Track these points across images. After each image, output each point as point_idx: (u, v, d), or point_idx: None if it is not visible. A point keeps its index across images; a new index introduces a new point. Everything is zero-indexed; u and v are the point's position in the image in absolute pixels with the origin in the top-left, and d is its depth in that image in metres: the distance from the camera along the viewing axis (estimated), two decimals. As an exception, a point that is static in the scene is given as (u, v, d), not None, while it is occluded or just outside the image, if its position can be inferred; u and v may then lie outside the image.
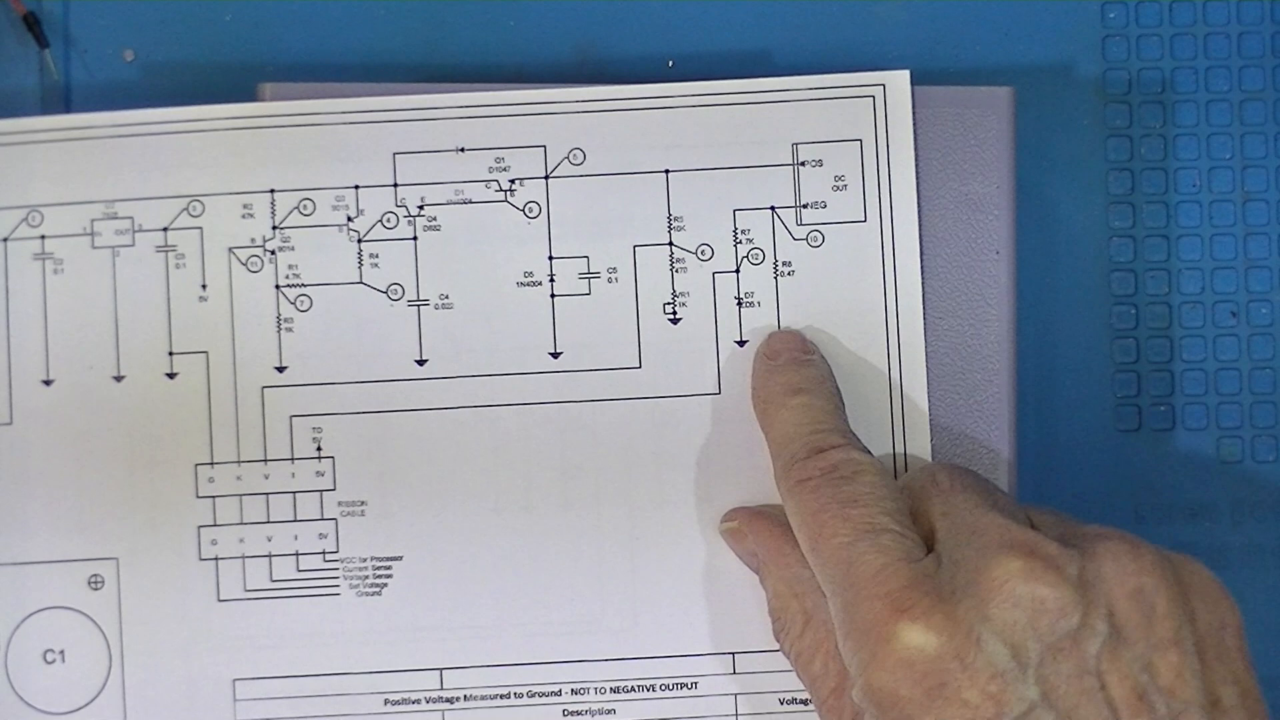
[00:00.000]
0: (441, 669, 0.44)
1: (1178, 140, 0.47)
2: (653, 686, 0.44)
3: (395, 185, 0.44)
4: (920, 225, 0.44)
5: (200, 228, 0.44)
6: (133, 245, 0.44)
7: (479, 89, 0.44)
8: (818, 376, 0.42)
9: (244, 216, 0.44)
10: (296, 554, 0.44)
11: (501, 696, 0.44)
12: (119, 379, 0.44)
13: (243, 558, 0.44)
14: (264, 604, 0.44)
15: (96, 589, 0.44)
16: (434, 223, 0.44)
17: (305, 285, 0.44)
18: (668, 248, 0.44)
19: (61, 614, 0.43)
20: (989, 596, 0.37)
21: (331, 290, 0.44)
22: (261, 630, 0.44)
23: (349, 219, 0.44)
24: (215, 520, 0.44)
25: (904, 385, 0.44)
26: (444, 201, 0.44)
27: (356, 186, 0.44)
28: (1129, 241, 0.47)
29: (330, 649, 0.44)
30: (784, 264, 0.44)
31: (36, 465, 0.44)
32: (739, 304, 0.44)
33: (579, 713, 0.44)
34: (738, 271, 0.44)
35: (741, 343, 0.44)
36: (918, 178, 0.44)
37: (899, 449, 0.44)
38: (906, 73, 0.44)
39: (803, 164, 0.44)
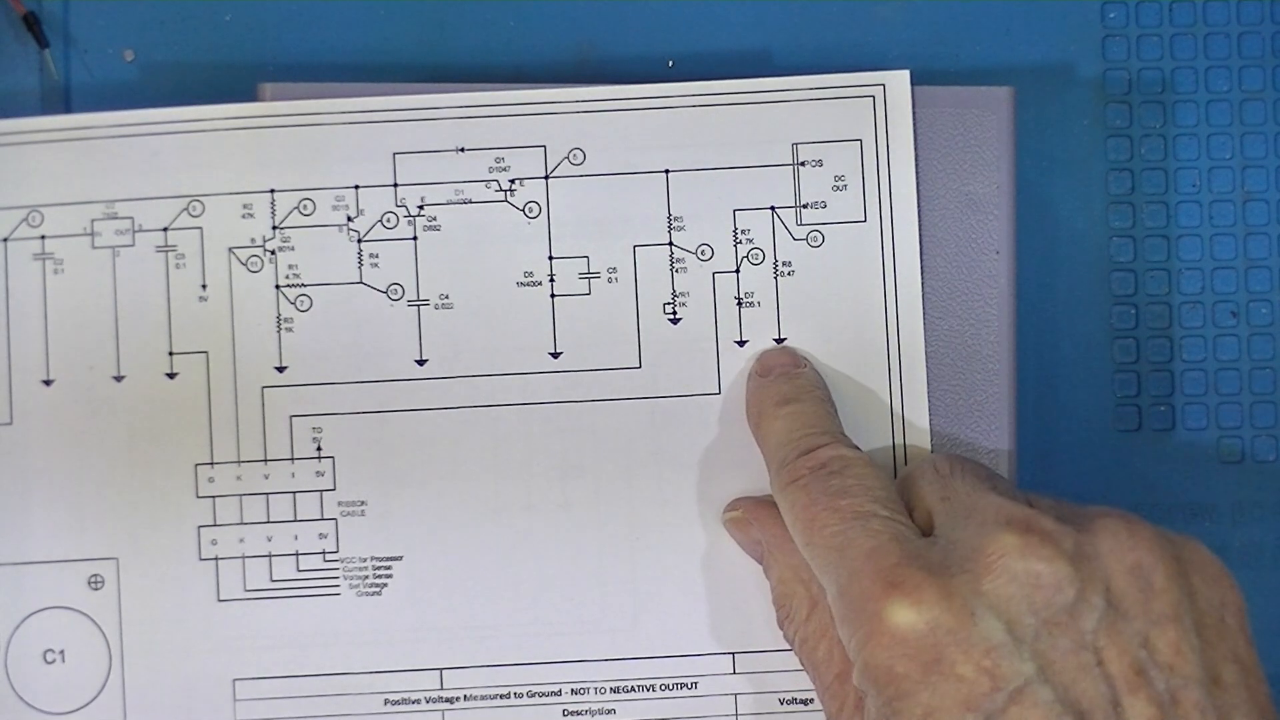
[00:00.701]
0: (441, 669, 0.44)
1: (1178, 140, 0.47)
2: (653, 686, 0.44)
3: (395, 185, 0.44)
4: (920, 225, 0.44)
5: (200, 228, 0.44)
6: (133, 245, 0.44)
7: (479, 89, 0.44)
8: (807, 386, 0.43)
9: (244, 216, 0.44)
10: (296, 554, 0.44)
11: (501, 696, 0.44)
12: (119, 379, 0.44)
13: (243, 558, 0.44)
14: (264, 604, 0.44)
15: (96, 589, 0.44)
16: (434, 223, 0.44)
17: (305, 285, 0.44)
18: (668, 248, 0.44)
19: (61, 614, 0.43)
20: (984, 571, 0.37)
21: (331, 290, 0.44)
22: (261, 630, 0.44)
23: (349, 219, 0.44)
24: (215, 520, 0.44)
25: (904, 385, 0.44)
26: (444, 201, 0.44)
27: (356, 186, 0.44)
28: (1129, 241, 0.47)
29: (330, 649, 0.44)
30: (784, 264, 0.44)
31: (36, 465, 0.44)
32: (739, 304, 0.44)
33: (579, 713, 0.44)
34: (738, 271, 0.44)
35: (741, 343, 0.44)
36: (918, 178, 0.44)
37: (899, 448, 0.44)
38: (906, 73, 0.44)
39: (803, 164, 0.44)
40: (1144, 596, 0.37)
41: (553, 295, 0.44)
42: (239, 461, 0.44)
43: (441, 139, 0.44)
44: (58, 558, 0.43)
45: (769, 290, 0.44)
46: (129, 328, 0.44)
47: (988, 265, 0.44)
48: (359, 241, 0.44)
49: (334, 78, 0.46)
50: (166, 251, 0.44)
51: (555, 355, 0.44)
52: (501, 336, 0.44)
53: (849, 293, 0.44)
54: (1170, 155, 0.47)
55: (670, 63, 0.46)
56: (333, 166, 0.44)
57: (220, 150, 0.44)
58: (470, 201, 0.44)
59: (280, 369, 0.44)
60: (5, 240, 0.44)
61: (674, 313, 0.44)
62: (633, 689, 0.44)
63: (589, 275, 0.44)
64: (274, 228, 0.44)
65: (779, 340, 0.44)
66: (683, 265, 0.44)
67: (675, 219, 0.44)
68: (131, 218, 0.44)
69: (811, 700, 0.44)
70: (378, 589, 0.44)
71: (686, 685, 0.44)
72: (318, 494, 0.44)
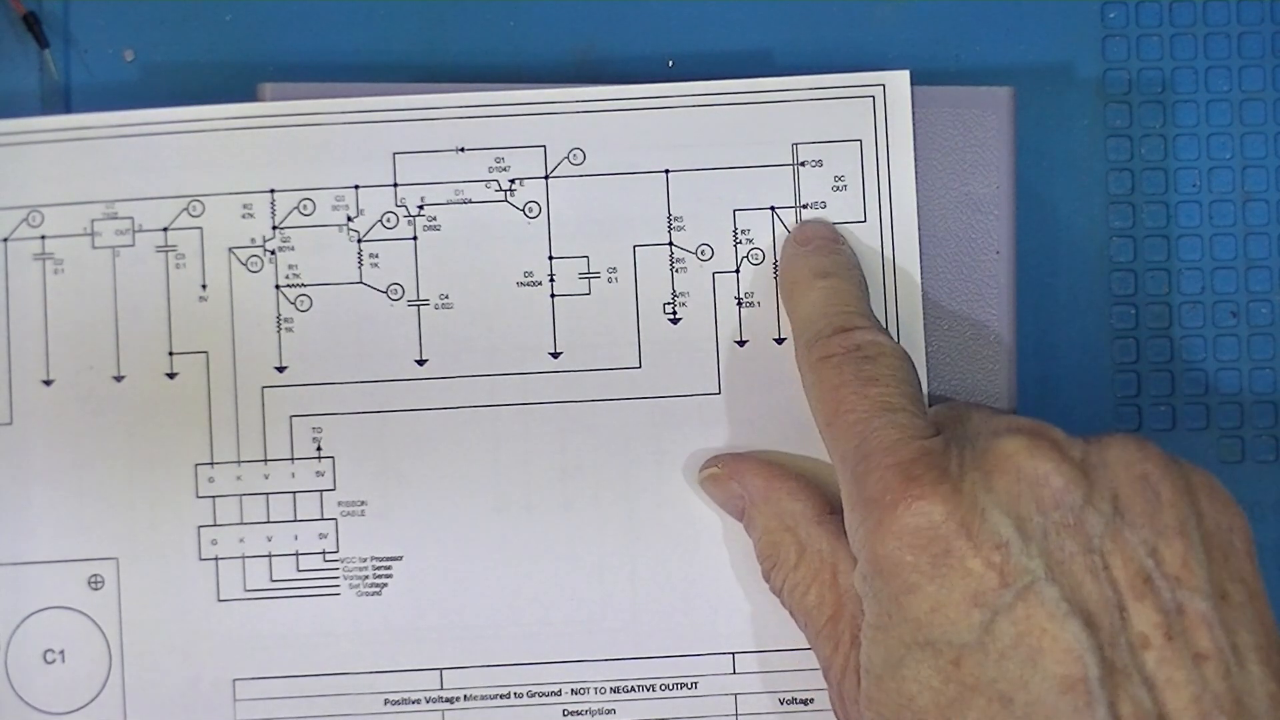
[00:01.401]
0: (441, 669, 0.44)
1: (1178, 140, 0.47)
2: (653, 686, 0.44)
3: (395, 185, 0.44)
4: (920, 225, 0.44)
5: (200, 228, 0.44)
6: (133, 245, 0.44)
7: (479, 89, 0.44)
8: (846, 263, 0.43)
9: (244, 216, 0.44)
10: (296, 554, 0.44)
11: (501, 696, 0.44)
12: (119, 379, 0.44)
13: (243, 558, 0.44)
14: (264, 604, 0.44)
15: (96, 589, 0.44)
16: (434, 223, 0.44)
17: (305, 285, 0.44)
18: (668, 248, 0.44)
19: (61, 614, 0.43)
20: (993, 470, 0.37)
21: (331, 290, 0.44)
22: (261, 630, 0.44)
23: (349, 219, 0.44)
24: (215, 520, 0.44)
25: (904, 385, 0.44)
26: (444, 201, 0.44)
27: (356, 186, 0.44)
28: (1129, 241, 0.47)
29: (330, 649, 0.44)
30: (784, 264, 0.44)
31: (36, 465, 0.44)
32: (739, 304, 0.44)
33: (579, 713, 0.44)
34: (738, 271, 0.44)
35: (741, 343, 0.44)
36: (918, 178, 0.44)
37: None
38: (906, 73, 0.44)
39: (803, 164, 0.44)
40: (1151, 508, 0.37)
41: (553, 295, 0.44)
42: (239, 461, 0.44)
43: (441, 139, 0.44)
44: (58, 558, 0.43)
45: (769, 290, 0.44)
46: (129, 328, 0.44)
47: (988, 265, 0.44)
48: (359, 241, 0.44)
49: (334, 78, 0.46)
50: (166, 251, 0.44)
51: (555, 355, 0.44)
52: (501, 336, 0.44)
53: (849, 293, 0.44)
54: (1170, 155, 0.47)
55: (670, 63, 0.46)
56: (333, 166, 0.44)
57: (220, 150, 0.44)
58: (470, 201, 0.44)
59: (280, 369, 0.44)
60: (5, 240, 0.44)
61: (674, 313, 0.44)
62: (633, 689, 0.44)
63: (589, 275, 0.44)
64: (274, 228, 0.44)
65: (779, 341, 0.44)
66: (683, 265, 0.44)
67: (675, 219, 0.44)
68: (131, 218, 0.44)
69: (812, 700, 0.44)
70: (378, 589, 0.44)
71: (686, 685, 0.44)
72: (318, 494, 0.44)
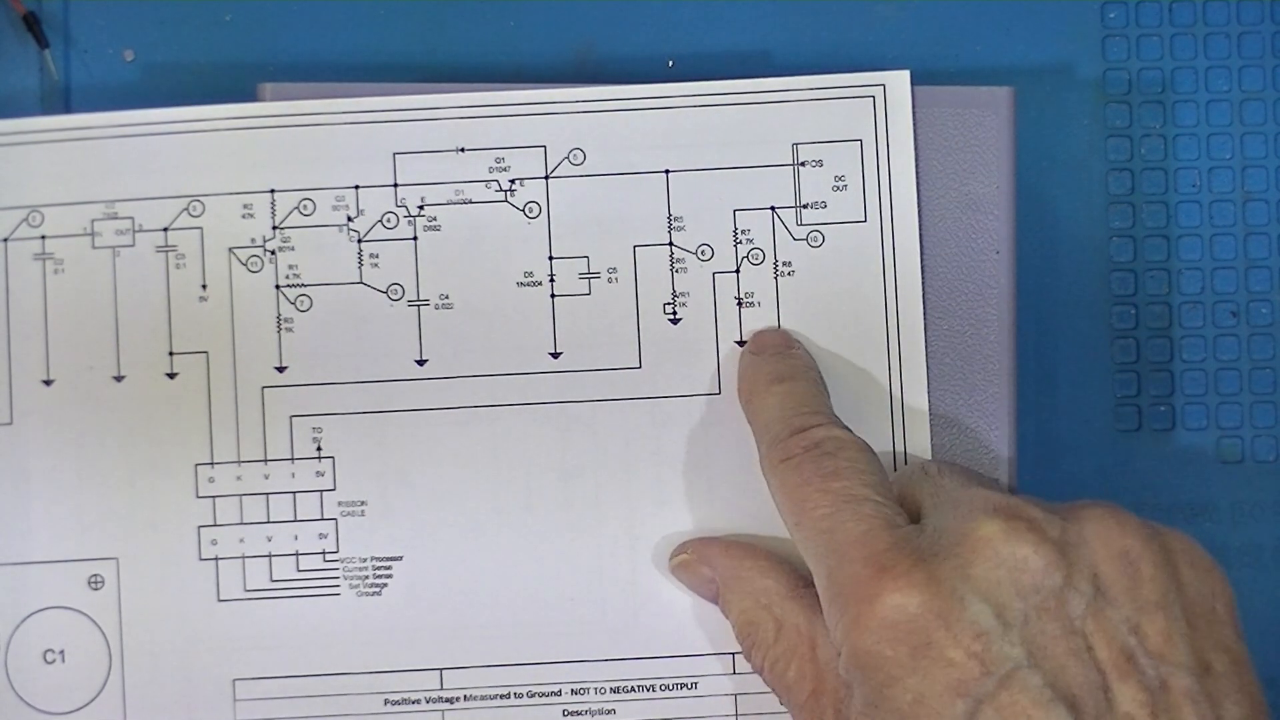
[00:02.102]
0: (441, 669, 0.44)
1: (1178, 140, 0.47)
2: (653, 686, 0.44)
3: (395, 185, 0.44)
4: (920, 225, 0.44)
5: (200, 228, 0.44)
6: (133, 245, 0.44)
7: (479, 89, 0.44)
8: (800, 366, 0.43)
9: (244, 216, 0.44)
10: (296, 554, 0.44)
11: (501, 696, 0.44)
12: (119, 379, 0.44)
13: (243, 558, 0.44)
14: (264, 604, 0.44)
15: (96, 589, 0.44)
16: (434, 223, 0.44)
17: (305, 285, 0.44)
18: (668, 248, 0.44)
19: (61, 614, 0.43)
20: (971, 556, 0.37)
21: (331, 290, 0.44)
22: (261, 630, 0.44)
23: (349, 219, 0.44)
24: (215, 520, 0.44)
25: (904, 385, 0.44)
26: (444, 201, 0.44)
27: (356, 186, 0.44)
28: (1129, 241, 0.47)
29: (330, 649, 0.44)
30: (784, 264, 0.44)
31: (36, 465, 0.44)
32: (739, 304, 0.44)
33: (579, 713, 0.44)
34: (738, 271, 0.44)
35: (741, 343, 0.44)
36: (918, 178, 0.44)
37: (899, 449, 0.44)
38: (906, 73, 0.44)
39: (803, 164, 0.44)
40: (1132, 584, 0.37)
41: (553, 295, 0.44)
42: (239, 461, 0.44)
43: (441, 139, 0.44)
44: (58, 558, 0.43)
45: (769, 290, 0.44)
46: (129, 328, 0.44)
47: (988, 265, 0.44)
48: (359, 241, 0.44)
49: (334, 78, 0.46)
50: (166, 251, 0.44)
51: (555, 355, 0.44)
52: (501, 336, 0.44)
53: (849, 293, 0.44)
54: (1170, 155, 0.47)
55: (670, 63, 0.46)
56: (333, 166, 0.44)
57: (220, 150, 0.44)
58: (470, 201, 0.44)
59: (280, 369, 0.44)
60: (5, 240, 0.44)
61: (674, 313, 0.44)
62: (633, 689, 0.44)
63: (589, 275, 0.44)
64: (274, 228, 0.44)
65: (779, 340, 0.44)
66: (683, 265, 0.44)
67: (675, 219, 0.44)
68: (131, 218, 0.44)
69: (811, 700, 0.44)
70: (378, 589, 0.44)
71: (686, 685, 0.44)
72: (318, 494, 0.44)
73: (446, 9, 0.46)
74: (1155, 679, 0.36)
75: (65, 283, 0.44)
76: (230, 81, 0.45)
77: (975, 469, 0.42)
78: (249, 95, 0.44)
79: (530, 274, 0.44)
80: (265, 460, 0.44)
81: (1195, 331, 0.47)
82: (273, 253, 0.44)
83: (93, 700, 0.43)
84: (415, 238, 0.44)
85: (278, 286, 0.44)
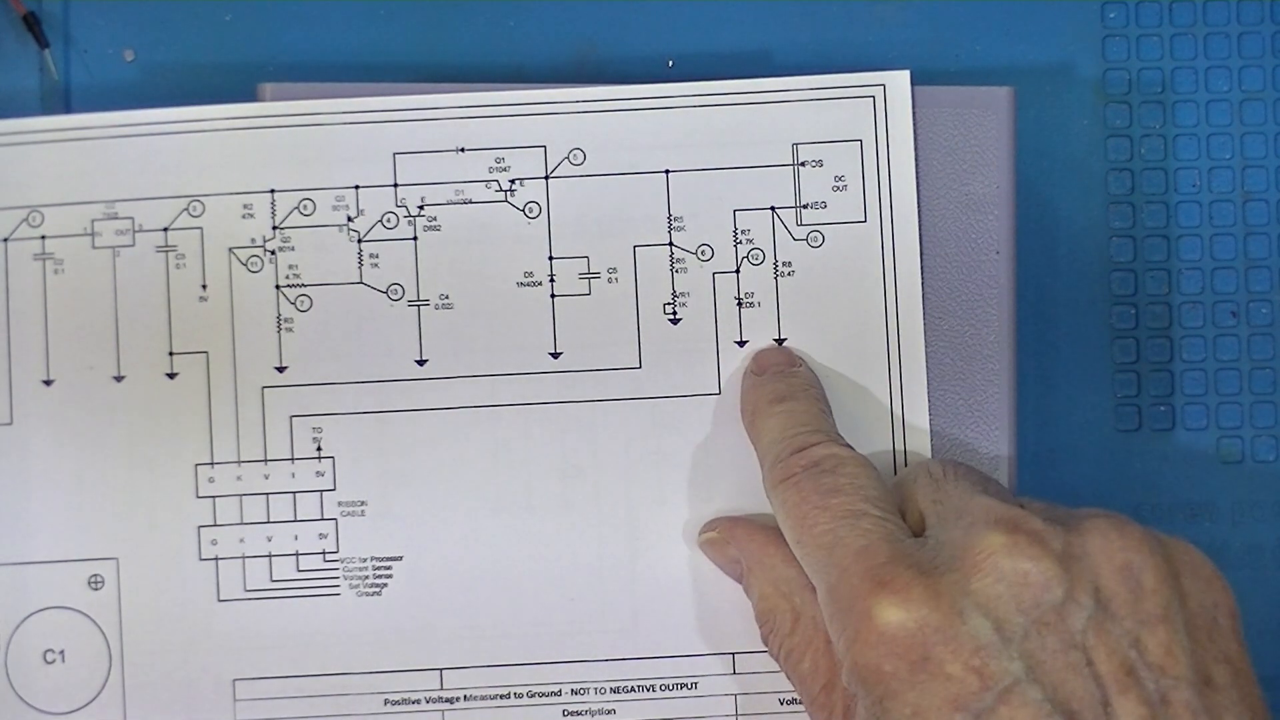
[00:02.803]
0: (441, 669, 0.44)
1: (1178, 140, 0.47)
2: (653, 686, 0.44)
3: (395, 185, 0.44)
4: (920, 225, 0.44)
5: (200, 228, 0.44)
6: (133, 245, 0.44)
7: (479, 89, 0.44)
8: (802, 384, 0.43)
9: (244, 216, 0.44)
10: (296, 554, 0.44)
11: (501, 696, 0.44)
12: (119, 379, 0.44)
13: (243, 558, 0.44)
14: (264, 604, 0.44)
15: (96, 589, 0.44)
16: (434, 223, 0.44)
17: (305, 285, 0.44)
18: (668, 248, 0.44)
19: (61, 614, 0.43)
20: (972, 571, 0.37)
21: (331, 290, 0.44)
22: (261, 630, 0.44)
23: (349, 219, 0.44)
24: (215, 520, 0.44)
25: (904, 385, 0.44)
26: (444, 201, 0.44)
27: (356, 186, 0.44)
28: (1129, 241, 0.47)
29: (330, 649, 0.44)
30: (784, 264, 0.44)
31: (36, 465, 0.44)
32: (739, 304, 0.44)
33: (579, 713, 0.44)
34: (738, 272, 0.44)
35: (741, 343, 0.44)
36: (918, 178, 0.44)
37: (899, 449, 0.44)
38: (906, 73, 0.44)
39: (803, 164, 0.44)
40: (1134, 597, 0.37)
41: (553, 295, 0.44)
42: (239, 461, 0.44)
43: (441, 139, 0.44)
44: (58, 558, 0.43)
45: (769, 290, 0.44)
46: (129, 328, 0.44)
47: (988, 265, 0.44)
48: (359, 241, 0.44)
49: (334, 78, 0.46)
50: (166, 251, 0.44)
51: (555, 355, 0.44)
52: (501, 336, 0.44)
53: (849, 293, 0.44)
54: (1170, 155, 0.47)
55: (670, 63, 0.46)
56: (333, 166, 0.44)
57: (220, 150, 0.44)
58: (470, 201, 0.44)
59: (280, 369, 0.44)
60: (5, 240, 0.44)
61: (674, 313, 0.44)
62: (633, 689, 0.44)
63: (589, 275, 0.44)
64: (274, 228, 0.44)
65: (779, 340, 0.44)
66: (683, 265, 0.44)
67: (675, 219, 0.44)
68: (131, 218, 0.44)
69: (811, 700, 0.44)
70: (378, 589, 0.44)
71: (686, 685, 0.44)
72: (318, 494, 0.44)
73: (446, 9, 0.46)
74: (1156, 693, 0.36)
75: (65, 283, 0.44)
76: (230, 81, 0.45)
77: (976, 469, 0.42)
78: (249, 95, 0.44)
79: (530, 274, 0.44)
80: (265, 460, 0.44)
81: (1195, 331, 0.47)
82: (273, 253, 0.44)
83: (93, 700, 0.43)
84: (415, 238, 0.44)
85: (278, 286, 0.44)
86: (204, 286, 0.44)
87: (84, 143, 0.44)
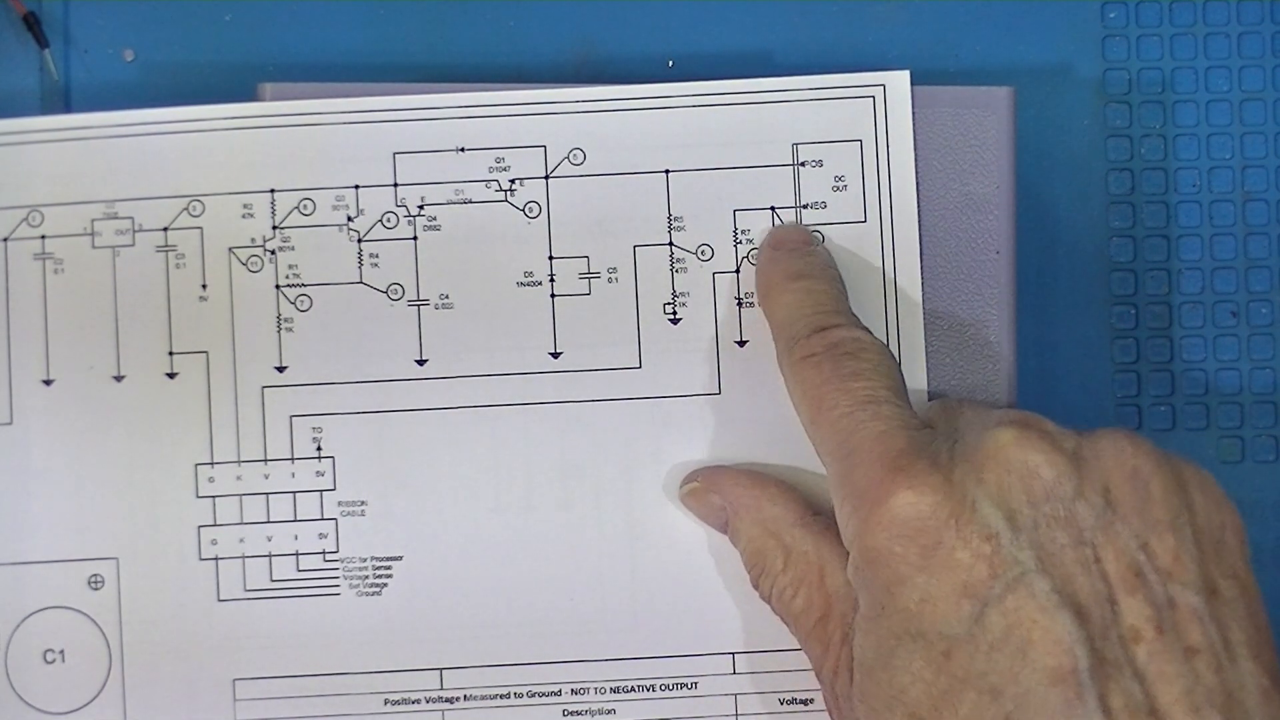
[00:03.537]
0: (441, 669, 0.44)
1: (1178, 140, 0.47)
2: (653, 686, 0.44)
3: (395, 185, 0.44)
4: (920, 225, 0.44)
5: (200, 228, 0.44)
6: (133, 245, 0.44)
7: (479, 89, 0.44)
8: (820, 264, 0.43)
9: (244, 216, 0.44)
10: (296, 554, 0.44)
11: (501, 696, 0.44)
12: (119, 379, 0.44)
13: (243, 558, 0.44)
14: (264, 604, 0.44)
15: (96, 589, 0.44)
16: (434, 223, 0.44)
17: (305, 285, 0.44)
18: (668, 248, 0.44)
19: (61, 614, 0.43)
20: (984, 462, 0.37)
21: (331, 290, 0.44)
22: (261, 630, 0.44)
23: (349, 219, 0.44)
24: (215, 520, 0.44)
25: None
26: (444, 201, 0.44)
27: (356, 186, 0.44)
28: (1129, 241, 0.47)
29: (330, 649, 0.44)
30: (784, 264, 0.44)
31: (36, 465, 0.44)
32: (739, 304, 0.44)
33: (579, 713, 0.44)
34: (738, 271, 0.44)
35: (741, 343, 0.44)
36: (918, 178, 0.44)
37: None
38: (906, 73, 0.44)
39: (803, 164, 0.44)
40: (1142, 502, 0.37)
41: (553, 295, 0.44)
42: (239, 461, 0.44)
43: (441, 139, 0.44)
44: (58, 558, 0.43)
45: (769, 290, 0.44)
46: (129, 328, 0.44)
47: (988, 265, 0.44)
48: (359, 241, 0.44)
49: (334, 78, 0.46)
50: (166, 251, 0.44)
51: (555, 355, 0.44)
52: (501, 336, 0.44)
53: (849, 293, 0.44)
54: (1170, 155, 0.47)
55: (670, 63, 0.46)
56: (333, 166, 0.44)
57: (220, 150, 0.44)
58: (470, 201, 0.44)
59: (280, 369, 0.44)
60: (5, 240, 0.44)
61: (674, 313, 0.44)
62: (633, 689, 0.44)
63: (589, 275, 0.44)
64: (274, 228, 0.44)
65: (779, 340, 0.44)
66: (683, 265, 0.44)
67: (675, 219, 0.44)
68: (131, 218, 0.44)
69: (812, 700, 0.44)
70: (378, 589, 0.44)
71: (686, 685, 0.44)
72: (318, 494, 0.44)
73: (446, 9, 0.46)
74: (1163, 595, 0.36)
75: (65, 282, 0.44)
76: (230, 81, 0.45)
77: None
78: (249, 95, 0.44)
79: (530, 274, 0.44)
80: (265, 460, 0.44)
81: (1195, 331, 0.47)
82: (273, 253, 0.44)
83: (93, 700, 0.43)
84: (415, 238, 0.44)
85: (278, 286, 0.44)
86: (204, 286, 0.44)
87: (84, 142, 0.44)
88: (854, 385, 0.39)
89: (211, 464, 0.44)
